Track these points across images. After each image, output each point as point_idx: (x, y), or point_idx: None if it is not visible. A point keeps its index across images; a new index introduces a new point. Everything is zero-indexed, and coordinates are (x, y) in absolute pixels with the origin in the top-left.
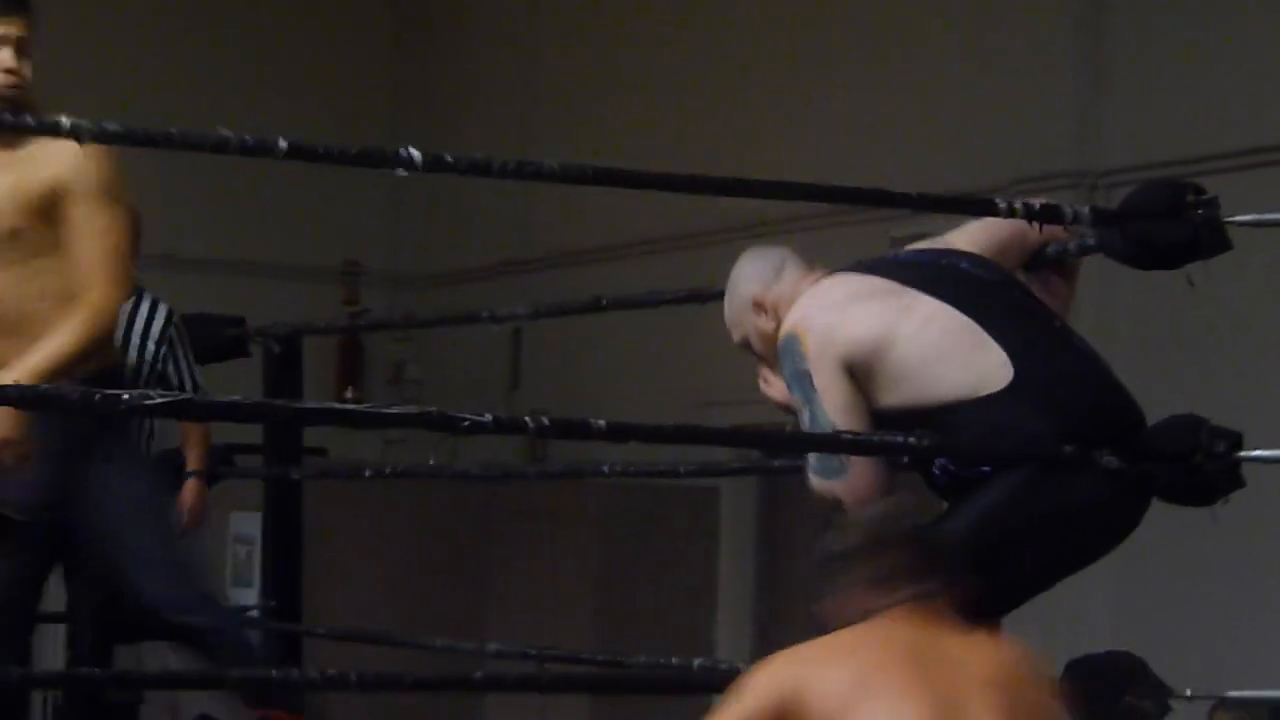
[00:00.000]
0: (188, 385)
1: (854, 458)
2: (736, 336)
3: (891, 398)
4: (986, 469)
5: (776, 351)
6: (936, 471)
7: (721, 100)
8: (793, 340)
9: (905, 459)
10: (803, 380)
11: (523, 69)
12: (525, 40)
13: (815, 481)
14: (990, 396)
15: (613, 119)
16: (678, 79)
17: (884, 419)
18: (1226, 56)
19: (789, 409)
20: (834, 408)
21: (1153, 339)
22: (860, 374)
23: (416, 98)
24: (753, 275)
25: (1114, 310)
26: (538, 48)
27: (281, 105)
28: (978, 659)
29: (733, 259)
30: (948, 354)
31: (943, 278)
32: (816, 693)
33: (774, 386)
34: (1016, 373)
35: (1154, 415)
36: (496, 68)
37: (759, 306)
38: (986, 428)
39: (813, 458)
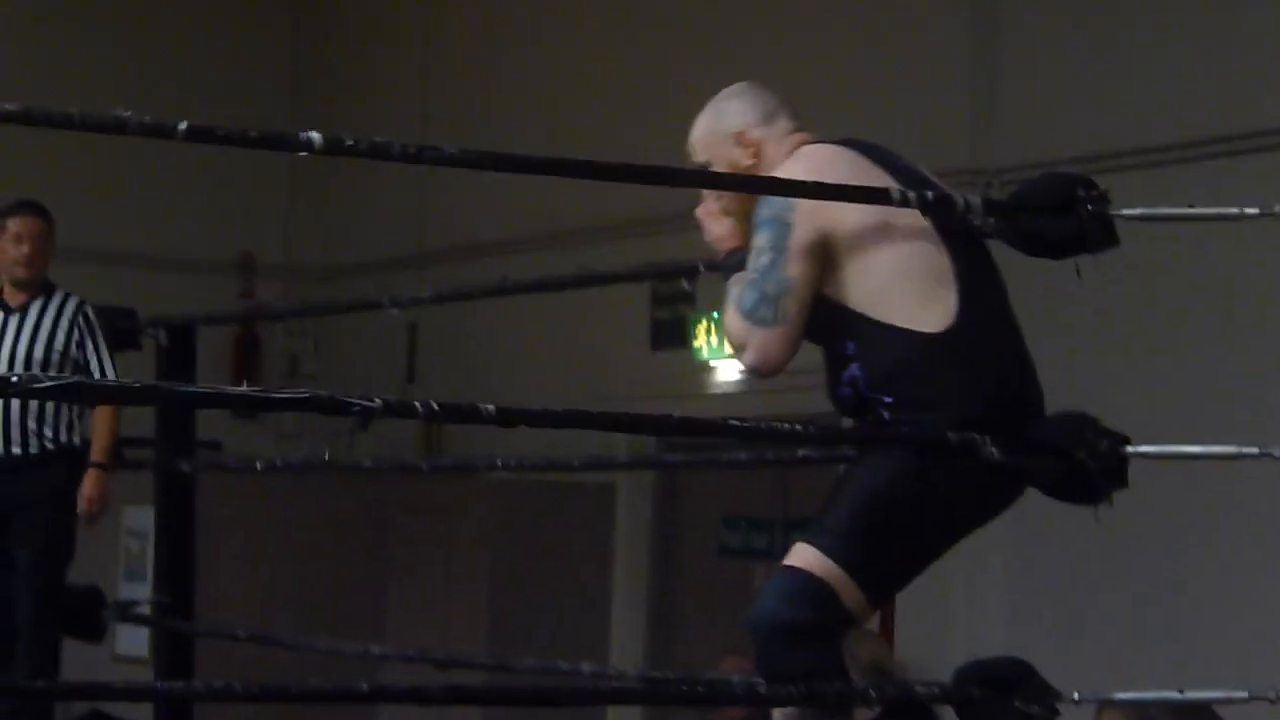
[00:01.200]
0: (103, 374)
1: (792, 316)
2: (699, 158)
3: (840, 291)
4: (888, 398)
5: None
6: (844, 385)
7: (621, 89)
8: None
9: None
10: (782, 231)
11: (420, 58)
12: (421, 27)
13: (734, 321)
14: (922, 335)
15: (512, 108)
16: (576, 68)
17: (824, 307)
18: (1120, 56)
19: (719, 250)
20: (798, 273)
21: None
22: (828, 255)
23: (312, 88)
24: (744, 109)
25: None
26: (435, 32)
27: (172, 93)
28: None
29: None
30: (911, 278)
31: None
32: None
33: (716, 223)
34: (956, 323)
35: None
36: (394, 56)
37: (742, 140)
38: (902, 364)
39: (743, 294)
